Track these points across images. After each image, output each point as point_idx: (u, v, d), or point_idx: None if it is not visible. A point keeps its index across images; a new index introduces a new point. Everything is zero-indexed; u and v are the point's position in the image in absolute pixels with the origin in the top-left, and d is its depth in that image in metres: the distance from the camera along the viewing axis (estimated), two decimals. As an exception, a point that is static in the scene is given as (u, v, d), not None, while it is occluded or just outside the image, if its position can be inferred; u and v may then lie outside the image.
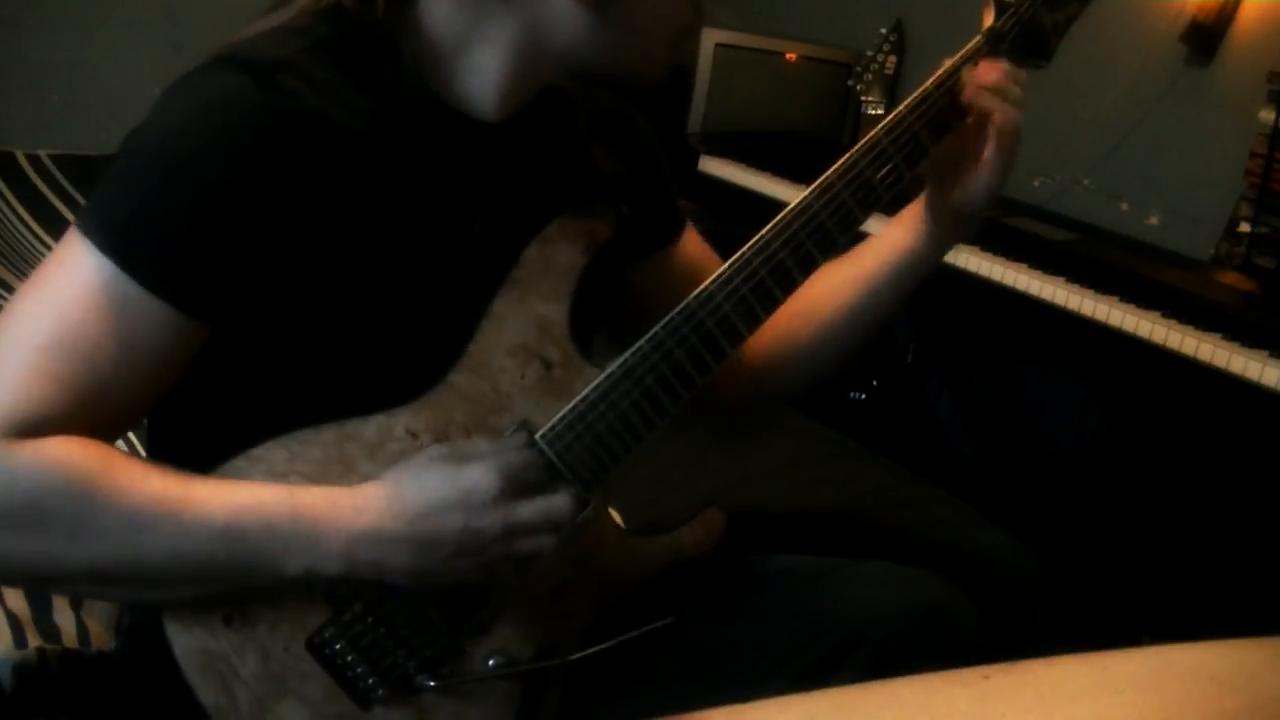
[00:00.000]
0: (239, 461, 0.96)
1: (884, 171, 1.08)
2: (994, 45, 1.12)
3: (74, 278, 0.91)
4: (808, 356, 1.23)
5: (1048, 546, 1.78)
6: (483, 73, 1.02)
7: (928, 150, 1.10)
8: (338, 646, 0.98)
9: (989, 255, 2.19)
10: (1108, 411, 2.53)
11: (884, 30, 2.78)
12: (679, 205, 1.26)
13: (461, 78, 1.02)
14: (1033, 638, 1.54)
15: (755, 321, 1.06)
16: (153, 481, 0.91)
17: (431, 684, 0.99)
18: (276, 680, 0.97)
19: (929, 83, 1.10)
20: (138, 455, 0.96)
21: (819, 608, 1.13)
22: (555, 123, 1.10)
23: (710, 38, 2.89)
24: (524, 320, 1.02)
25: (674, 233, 1.24)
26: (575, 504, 0.98)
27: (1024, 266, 2.16)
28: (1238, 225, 2.28)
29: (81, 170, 2.52)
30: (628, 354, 1.02)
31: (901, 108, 1.10)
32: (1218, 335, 1.90)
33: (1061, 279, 2.11)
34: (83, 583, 1.01)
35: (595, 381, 1.01)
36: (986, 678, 0.83)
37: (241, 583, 0.94)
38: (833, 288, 1.19)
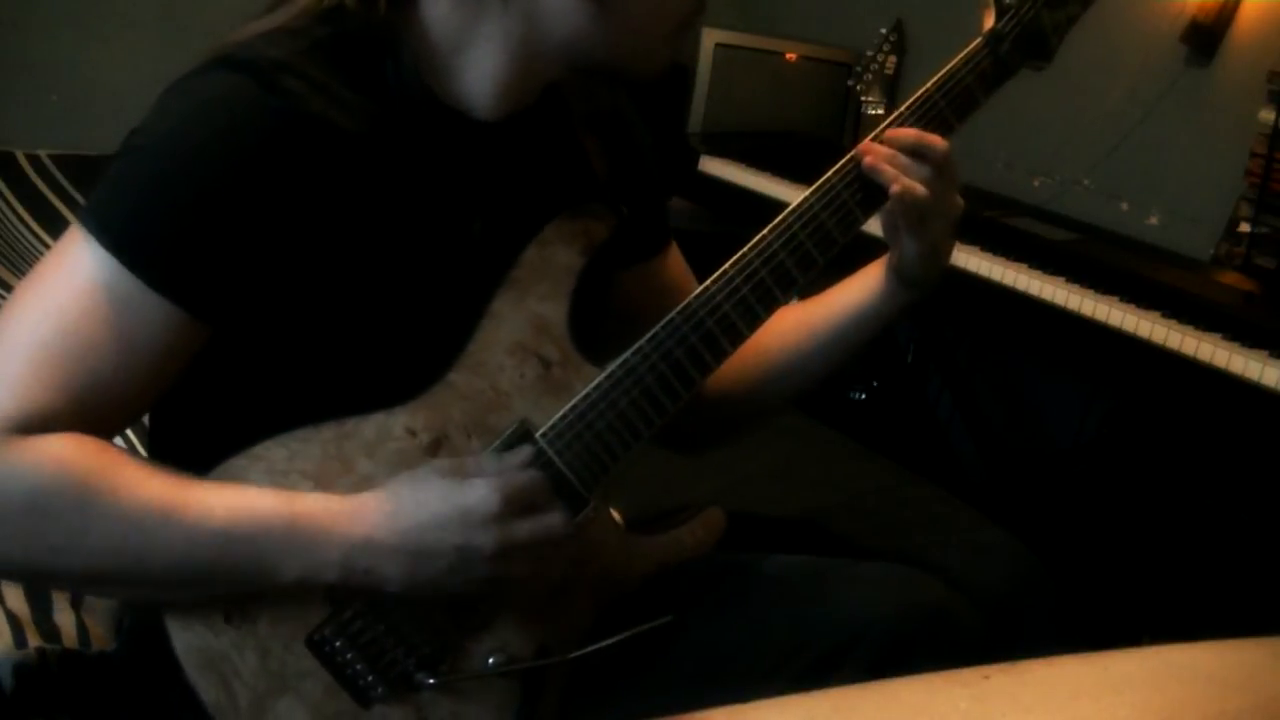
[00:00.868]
0: (239, 460, 0.96)
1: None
2: (995, 46, 1.12)
3: (75, 275, 0.91)
4: (759, 391, 1.23)
5: (1048, 546, 1.78)
6: (482, 70, 1.02)
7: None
8: (337, 644, 0.98)
9: (989, 255, 2.19)
10: (1108, 411, 2.52)
11: (884, 30, 2.78)
12: (667, 221, 1.26)
13: (461, 77, 1.02)
14: (1033, 638, 1.54)
15: (756, 321, 1.06)
16: (153, 483, 0.91)
17: (431, 682, 0.99)
18: (276, 678, 0.97)
19: (931, 83, 1.11)
20: (138, 455, 0.96)
21: (819, 608, 1.13)
22: (553, 123, 1.10)
23: (710, 38, 2.89)
24: (522, 319, 1.02)
25: (661, 243, 1.24)
26: (571, 529, 0.99)
27: (1024, 266, 2.16)
28: (1238, 225, 2.28)
29: (81, 170, 2.52)
30: (628, 353, 1.02)
31: (903, 107, 1.10)
32: (1218, 335, 1.90)
33: (1061, 279, 2.11)
34: (79, 581, 1.01)
35: (595, 381, 1.01)
36: (986, 678, 0.84)
37: (238, 587, 0.95)
38: (786, 330, 1.19)
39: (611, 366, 1.02)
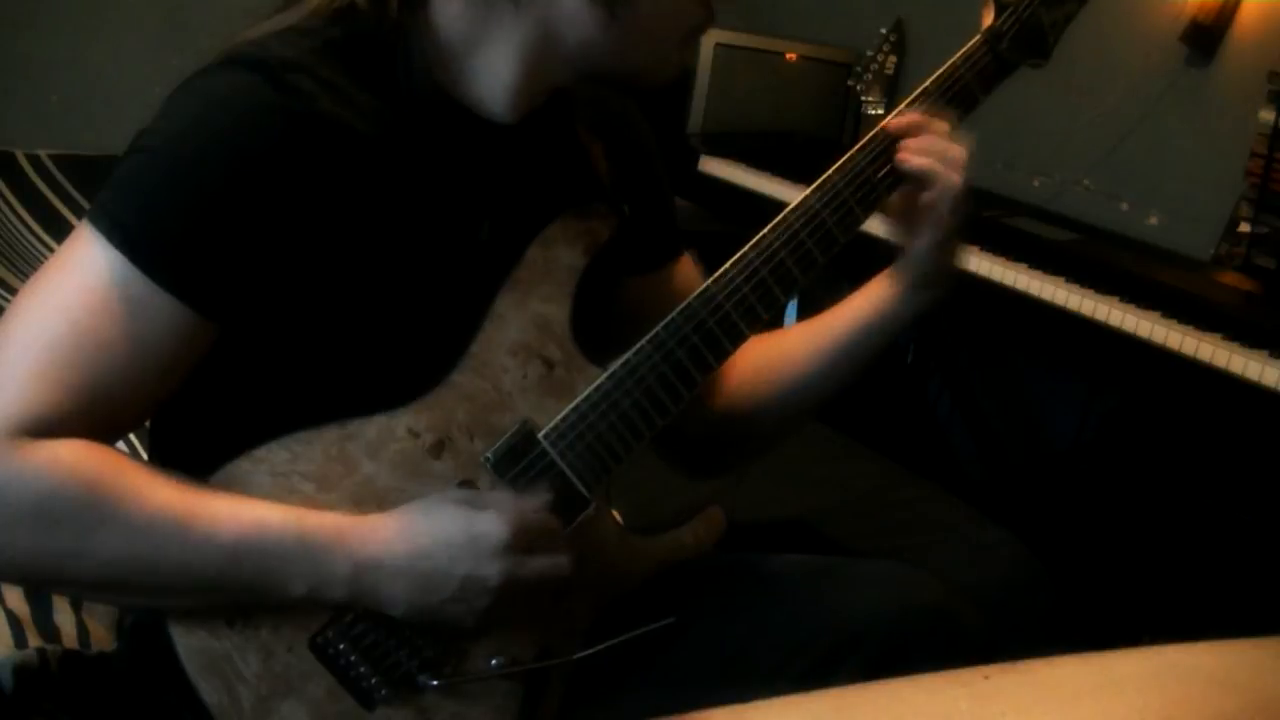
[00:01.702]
0: (241, 462, 0.96)
1: (885, 170, 1.09)
2: (993, 44, 1.12)
3: (84, 274, 0.90)
4: (776, 409, 1.22)
5: (1048, 546, 1.79)
6: (494, 74, 1.02)
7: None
8: (340, 646, 0.98)
9: (989, 255, 2.19)
10: (1108, 411, 2.53)
11: (884, 30, 2.78)
12: (678, 229, 1.26)
13: (473, 78, 1.02)
14: (1033, 638, 1.54)
15: (757, 321, 1.06)
16: (162, 493, 0.91)
17: (434, 684, 0.99)
18: (279, 680, 0.97)
19: (931, 81, 1.11)
20: (147, 462, 0.95)
21: (819, 608, 1.13)
22: (558, 123, 1.10)
23: (710, 38, 2.89)
24: (525, 320, 1.02)
25: (672, 253, 1.24)
26: (575, 567, 0.99)
27: (1024, 266, 2.16)
28: (1238, 225, 2.28)
29: (81, 170, 2.52)
30: (630, 353, 1.02)
31: (902, 105, 1.10)
32: (1218, 335, 1.90)
33: (1061, 279, 2.11)
34: (85, 588, 1.01)
35: (597, 381, 1.01)
36: (986, 678, 0.84)
37: (245, 598, 0.95)
38: (803, 340, 1.19)
39: (613, 366, 1.02)
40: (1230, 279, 2.22)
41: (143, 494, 0.90)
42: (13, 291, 2.13)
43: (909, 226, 1.11)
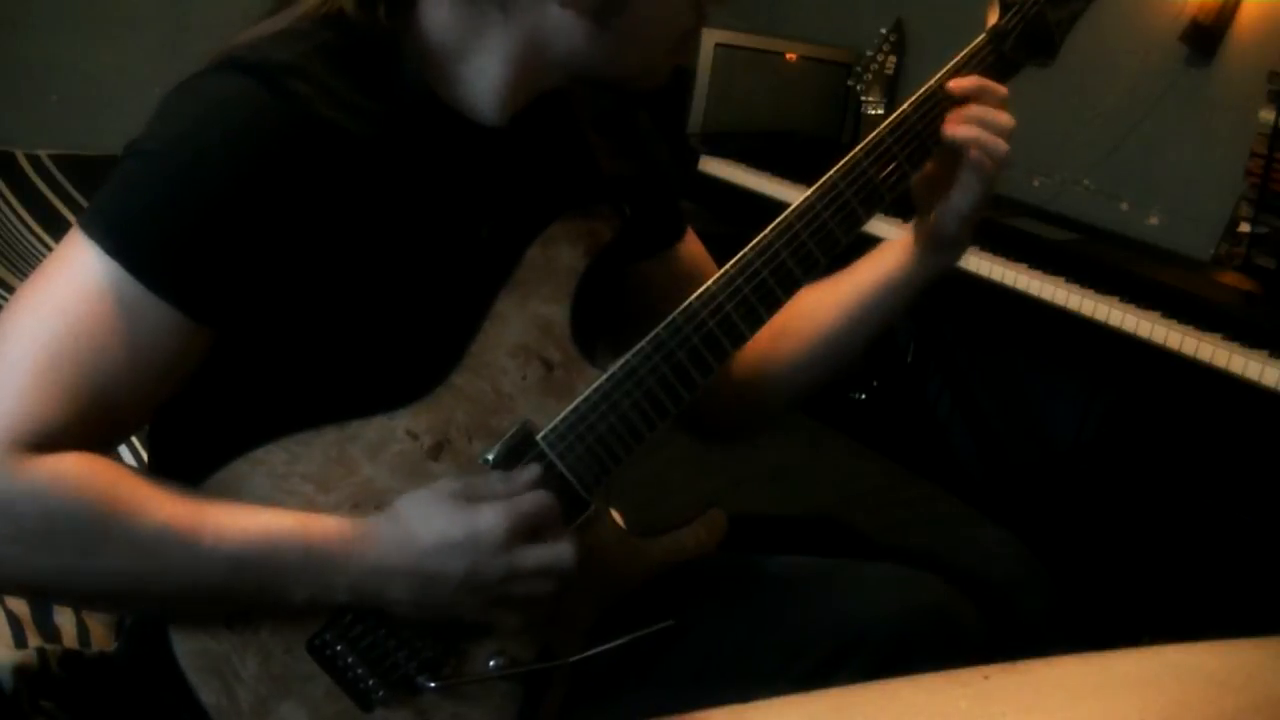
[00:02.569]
0: (240, 464, 0.96)
1: (887, 171, 1.08)
2: (998, 44, 1.12)
3: (77, 281, 0.90)
4: (792, 373, 1.22)
5: (1048, 546, 1.78)
6: (484, 79, 1.02)
7: (932, 150, 1.10)
8: (339, 648, 0.98)
9: (989, 255, 2.19)
10: (1108, 411, 2.53)
11: (884, 30, 2.78)
12: (680, 209, 1.26)
13: (464, 83, 1.02)
14: (1033, 638, 1.54)
15: (758, 322, 1.06)
16: (165, 505, 0.91)
17: (432, 685, 0.99)
18: (277, 681, 0.97)
19: (934, 81, 1.10)
20: (148, 473, 0.95)
21: (820, 608, 1.13)
22: (558, 123, 1.10)
23: (710, 38, 2.89)
24: (525, 321, 1.02)
25: (676, 235, 1.24)
26: (578, 553, 0.99)
27: (1024, 266, 2.16)
28: (1238, 225, 2.28)
29: (81, 170, 2.52)
30: (629, 354, 1.02)
31: (906, 105, 1.10)
32: (1218, 335, 1.90)
33: (1061, 279, 2.11)
34: (90, 599, 1.01)
35: (597, 382, 1.01)
36: (986, 678, 0.84)
37: (247, 606, 0.95)
38: (820, 305, 1.19)
39: (613, 368, 1.02)
40: (1230, 279, 2.22)
41: (145, 507, 0.90)
42: (12, 291, 2.13)
43: (941, 190, 1.11)
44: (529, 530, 0.96)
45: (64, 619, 1.23)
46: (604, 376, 1.02)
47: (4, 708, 1.10)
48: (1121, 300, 2.02)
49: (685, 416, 1.06)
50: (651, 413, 1.02)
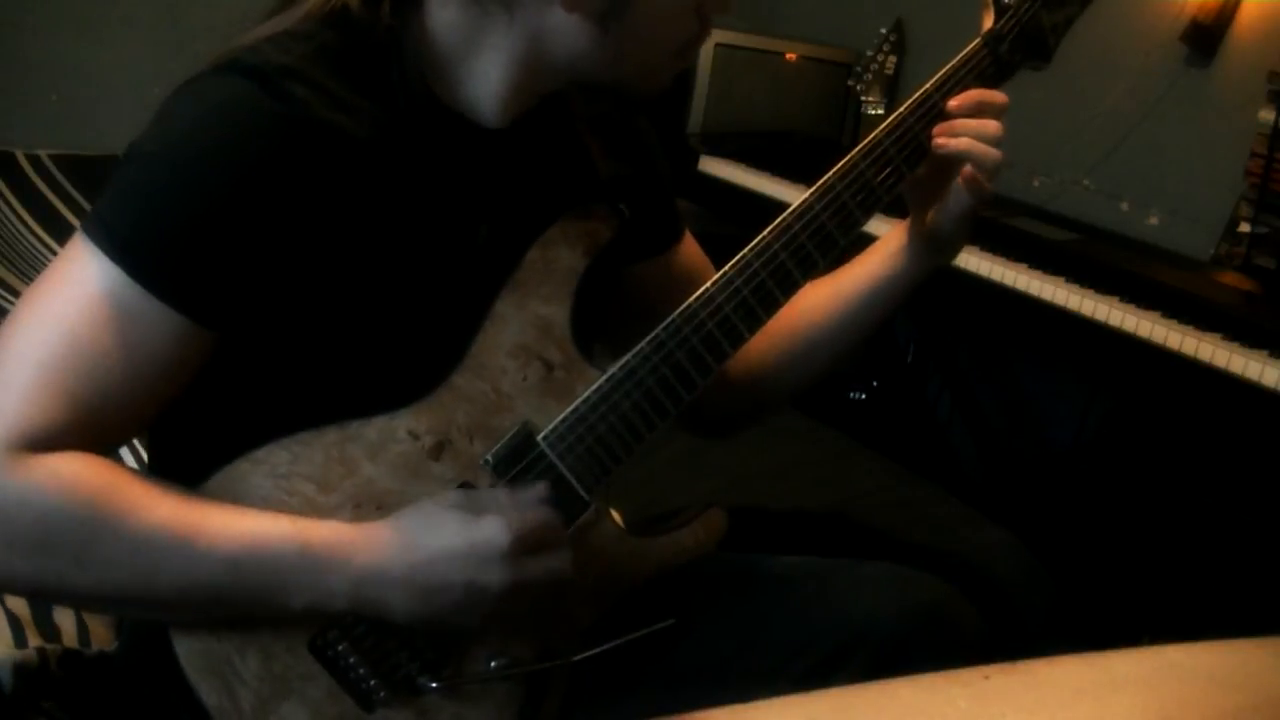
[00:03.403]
0: (241, 464, 0.96)
1: (885, 173, 1.09)
2: (994, 47, 1.12)
3: (80, 285, 0.90)
4: (788, 368, 1.24)
5: (1048, 546, 1.78)
6: (486, 81, 1.02)
7: (929, 152, 1.10)
8: (340, 648, 0.98)
9: (989, 255, 2.19)
10: (1108, 411, 2.53)
11: (884, 30, 2.78)
12: (678, 210, 1.26)
13: (465, 85, 1.02)
14: (1033, 638, 1.54)
15: (757, 323, 1.06)
16: (163, 506, 0.91)
17: (433, 685, 0.99)
18: (279, 681, 0.97)
19: (930, 84, 1.11)
20: (146, 473, 0.95)
21: (820, 608, 1.13)
22: (556, 125, 1.10)
23: (710, 37, 2.88)
24: (525, 321, 1.02)
25: (673, 237, 1.25)
26: (577, 568, 0.99)
27: (1024, 266, 2.16)
28: (1238, 225, 2.28)
29: (81, 170, 2.52)
30: (629, 355, 1.02)
31: (903, 109, 1.10)
32: (1218, 335, 1.90)
33: (1061, 279, 2.11)
34: (87, 601, 1.01)
35: (596, 383, 1.01)
36: (986, 678, 0.84)
37: (246, 611, 0.95)
38: (816, 301, 1.20)
39: (612, 369, 1.02)
40: (1230, 279, 2.22)
41: (143, 508, 0.90)
42: (12, 291, 2.13)
43: (937, 192, 1.12)
44: (531, 544, 0.96)
45: (64, 618, 1.23)
46: (604, 377, 1.02)
47: (4, 707, 1.10)
48: (1121, 300, 2.02)
49: (682, 411, 1.06)
50: (651, 413, 1.03)
